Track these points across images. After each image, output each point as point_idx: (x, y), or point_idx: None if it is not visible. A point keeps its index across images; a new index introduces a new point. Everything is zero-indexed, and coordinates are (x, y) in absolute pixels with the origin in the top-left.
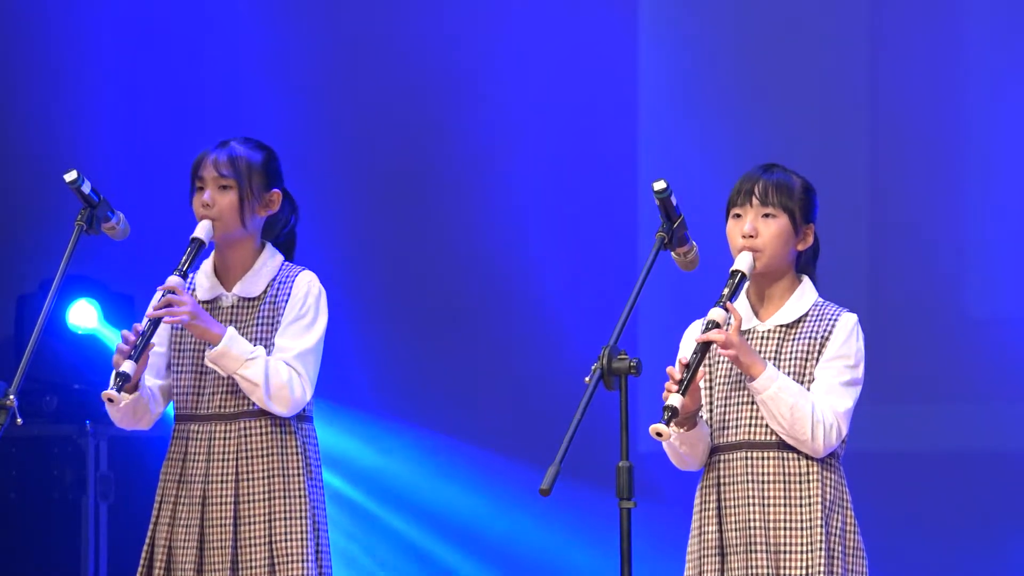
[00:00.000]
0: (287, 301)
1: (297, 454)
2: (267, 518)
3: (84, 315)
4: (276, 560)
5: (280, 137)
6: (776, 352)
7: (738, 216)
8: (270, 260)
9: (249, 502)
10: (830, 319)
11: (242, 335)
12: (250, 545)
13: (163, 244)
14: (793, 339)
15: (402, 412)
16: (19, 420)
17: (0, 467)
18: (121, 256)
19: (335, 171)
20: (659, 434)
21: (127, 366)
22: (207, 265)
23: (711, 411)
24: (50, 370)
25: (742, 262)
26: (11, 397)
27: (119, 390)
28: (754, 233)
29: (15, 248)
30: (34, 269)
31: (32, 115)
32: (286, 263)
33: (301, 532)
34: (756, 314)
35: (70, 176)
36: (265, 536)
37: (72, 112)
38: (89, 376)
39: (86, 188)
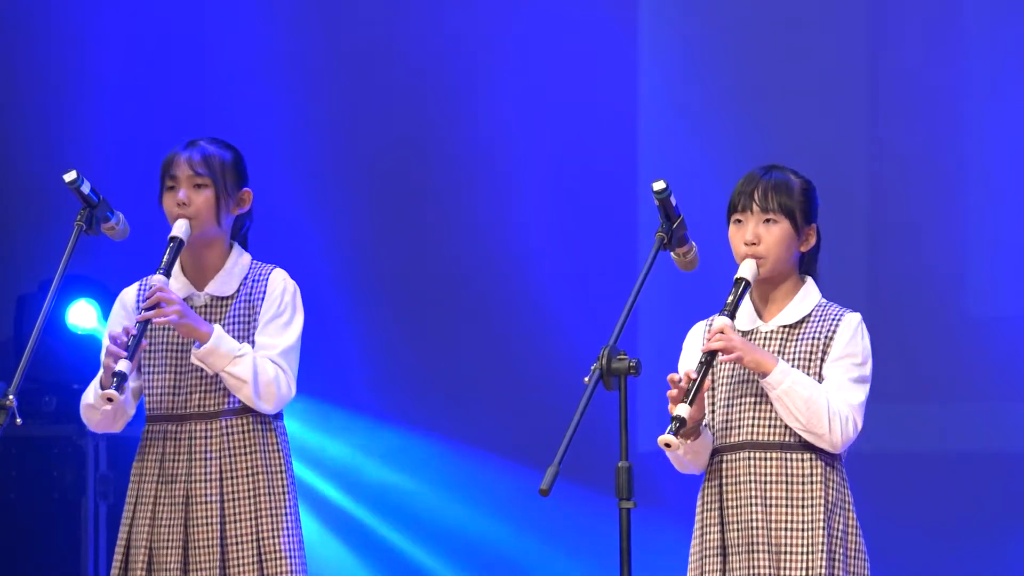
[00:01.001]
0: (263, 299)
1: (278, 451)
2: (253, 515)
3: (84, 315)
4: (264, 557)
5: (280, 138)
6: (779, 353)
7: (739, 222)
8: (240, 259)
9: (235, 500)
10: (833, 319)
11: None
12: (238, 543)
13: (163, 245)
14: (796, 339)
15: (401, 413)
16: (19, 420)
17: (0, 468)
18: (121, 256)
19: (335, 171)
20: (667, 445)
21: (123, 365)
22: (175, 266)
23: (713, 412)
24: (50, 370)
25: (746, 270)
26: (11, 397)
27: (117, 389)
28: (756, 240)
29: (15, 248)
30: (34, 269)
31: (32, 115)
32: (255, 261)
33: (287, 528)
34: (760, 315)
35: (69, 176)
36: (252, 533)
37: (72, 112)
38: (89, 376)
39: (85, 188)
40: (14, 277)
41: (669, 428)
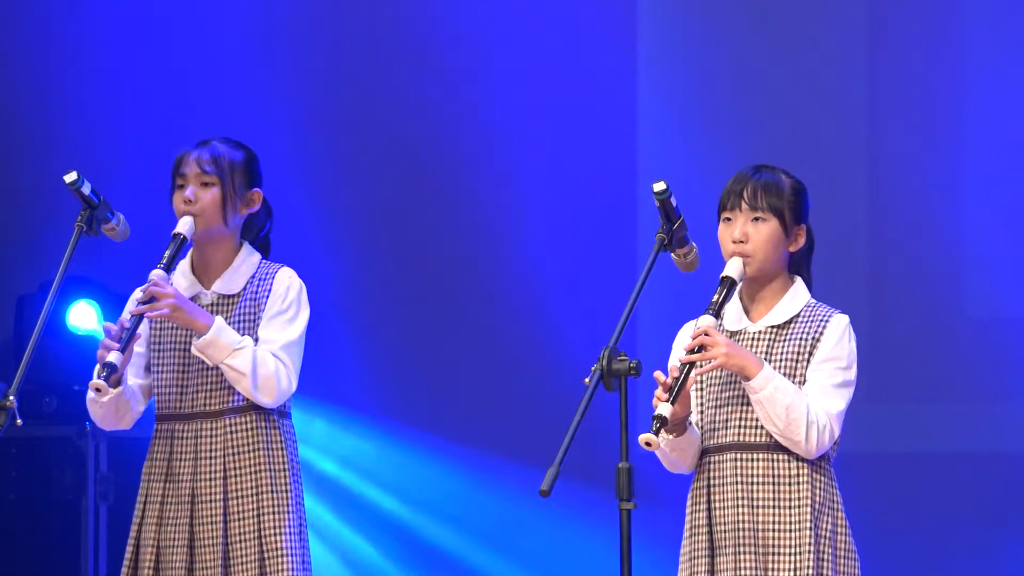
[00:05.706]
0: (268, 297)
1: (281, 449)
2: (256, 513)
3: (84, 316)
4: (266, 554)
5: (283, 140)
6: (767, 353)
7: (728, 220)
8: (248, 258)
9: (238, 498)
10: (821, 320)
11: None
12: (240, 541)
13: (163, 245)
14: (784, 340)
15: (402, 414)
16: (19, 421)
17: (0, 468)
18: (121, 257)
19: (337, 173)
20: (648, 444)
21: (114, 356)
22: (184, 264)
23: (701, 412)
24: (50, 371)
25: (732, 268)
26: (11, 398)
27: (106, 380)
28: (744, 238)
29: (15, 249)
30: (34, 270)
31: (32, 115)
32: (264, 261)
33: (289, 526)
34: (748, 315)
35: (70, 177)
36: (254, 531)
37: (72, 112)
38: (89, 377)
39: (86, 189)
40: (14, 278)
41: (650, 427)
